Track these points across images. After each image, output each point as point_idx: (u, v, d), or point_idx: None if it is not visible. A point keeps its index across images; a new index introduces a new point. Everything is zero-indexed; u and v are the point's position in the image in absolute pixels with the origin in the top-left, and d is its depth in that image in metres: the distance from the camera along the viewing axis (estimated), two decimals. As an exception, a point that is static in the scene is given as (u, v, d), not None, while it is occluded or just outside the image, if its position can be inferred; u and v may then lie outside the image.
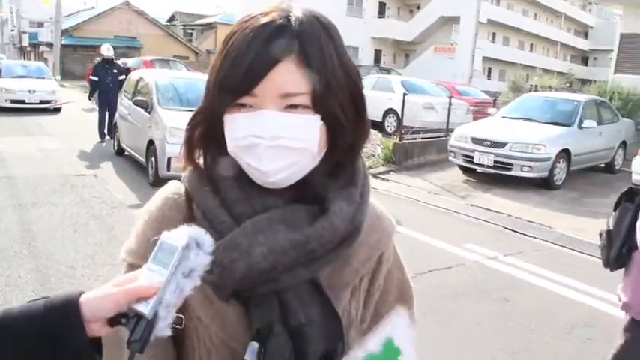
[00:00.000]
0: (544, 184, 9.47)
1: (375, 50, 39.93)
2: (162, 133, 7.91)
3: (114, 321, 0.73)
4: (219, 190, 0.91)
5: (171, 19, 53.18)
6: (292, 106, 0.85)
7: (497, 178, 9.71)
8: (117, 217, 6.42)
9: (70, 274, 4.64)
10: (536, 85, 19.15)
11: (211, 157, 0.93)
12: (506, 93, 15.36)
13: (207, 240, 0.76)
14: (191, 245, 0.74)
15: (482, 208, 8.15)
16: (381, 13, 39.81)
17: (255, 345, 0.86)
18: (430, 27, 39.46)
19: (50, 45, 33.13)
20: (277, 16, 0.86)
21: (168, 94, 9.01)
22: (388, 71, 28.63)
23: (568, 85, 18.46)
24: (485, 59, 42.27)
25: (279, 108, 0.84)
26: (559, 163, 9.51)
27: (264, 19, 0.86)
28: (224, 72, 0.85)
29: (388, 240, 1.03)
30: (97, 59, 13.67)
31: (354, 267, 0.97)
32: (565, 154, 9.62)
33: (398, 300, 1.07)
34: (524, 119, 10.36)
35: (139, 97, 9.30)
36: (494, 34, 48.92)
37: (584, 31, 61.55)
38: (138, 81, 10.02)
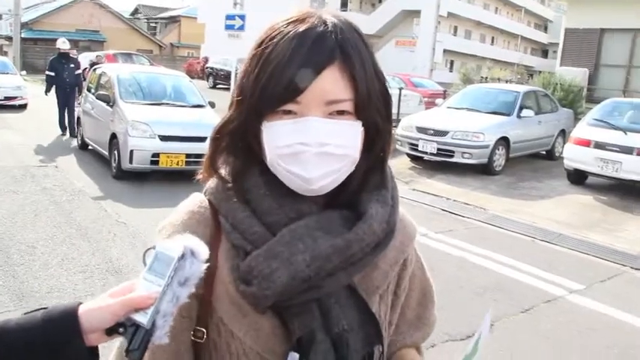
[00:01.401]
0: (484, 169, 10.13)
1: (338, 44, 40.41)
2: (125, 127, 8.03)
3: (112, 331, 0.75)
4: (249, 200, 0.90)
5: (135, 12, 52.79)
6: (336, 113, 0.85)
7: (442, 164, 10.34)
8: (76, 203, 6.81)
9: (30, 252, 5.05)
10: (486, 77, 19.92)
11: (240, 167, 0.92)
12: (457, 85, 16.02)
13: (203, 249, 0.77)
14: (186, 255, 0.75)
15: (423, 192, 8.76)
16: (344, 6, 40.31)
17: (295, 355, 0.86)
18: (391, 20, 40.17)
19: (10, 38, 32.70)
20: (316, 22, 0.86)
21: (130, 88, 9.13)
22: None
23: (519, 77, 19.23)
24: (447, 52, 43.10)
25: (324, 115, 0.84)
26: (498, 150, 10.17)
27: (305, 26, 0.85)
28: (266, 79, 0.84)
29: (411, 243, 1.04)
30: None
31: (383, 270, 0.98)
32: (504, 141, 10.29)
33: (420, 299, 1.10)
34: (468, 109, 11.00)
35: (101, 92, 9.40)
36: (455, 28, 49.90)
37: (544, 25, 63.17)
38: (100, 75, 10.09)
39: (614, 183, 9.52)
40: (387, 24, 40.28)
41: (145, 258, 0.77)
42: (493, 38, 55.54)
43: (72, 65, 12.02)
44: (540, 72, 18.76)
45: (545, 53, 62.59)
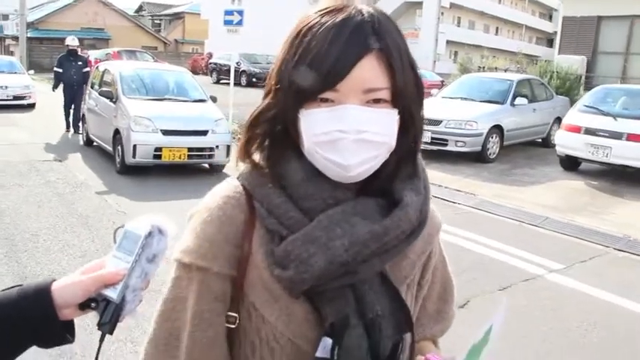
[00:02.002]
0: (478, 157, 10.32)
1: (341, 37, 40.57)
2: (127, 122, 8.16)
3: (84, 306, 0.78)
4: (286, 185, 0.91)
5: (139, 9, 53.10)
6: (373, 101, 0.86)
7: (437, 153, 10.52)
8: (78, 195, 7.08)
9: (34, 239, 5.32)
10: (483, 67, 20.06)
11: (276, 154, 0.93)
12: (455, 75, 16.18)
13: (170, 227, 0.81)
14: (154, 232, 0.78)
15: (417, 179, 8.97)
16: (346, -1, 40.40)
17: (328, 341, 0.86)
18: (394, 12, 40.13)
19: (16, 38, 33.08)
20: (353, 12, 0.87)
21: (132, 85, 9.26)
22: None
23: (519, 66, 19.35)
24: (451, 43, 43.26)
25: (361, 103, 0.86)
26: (492, 138, 10.37)
27: (342, 15, 0.86)
28: (305, 68, 0.85)
29: (436, 234, 1.06)
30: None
31: (411, 260, 0.99)
32: (497, 129, 10.48)
33: (441, 293, 1.11)
34: (462, 99, 11.20)
35: (104, 88, 9.58)
36: (459, 19, 49.95)
37: (548, 14, 62.89)
38: (104, 73, 10.26)
39: (606, 169, 9.68)
40: (390, 16, 40.34)
41: (115, 236, 0.80)
42: (497, 28, 55.48)
43: (80, 63, 12.24)
44: (546, 60, 18.87)
45: (550, 42, 62.29)
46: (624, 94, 10.02)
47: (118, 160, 8.50)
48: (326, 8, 0.88)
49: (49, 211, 6.26)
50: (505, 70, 18.09)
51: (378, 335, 0.89)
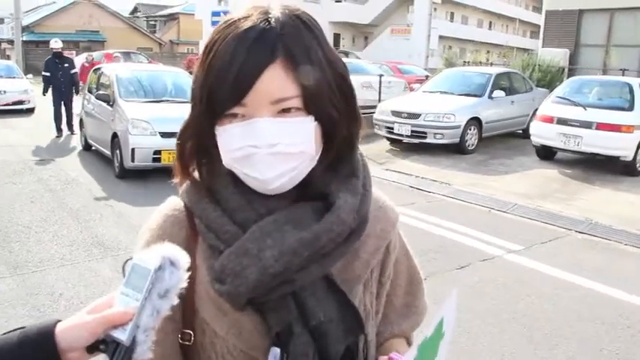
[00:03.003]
0: (457, 149, 10.69)
1: (334, 34, 40.84)
2: (125, 125, 8.04)
3: (93, 348, 0.73)
4: (220, 199, 0.91)
5: (134, 11, 53.38)
6: (284, 111, 0.84)
7: (419, 146, 10.91)
8: (69, 191, 7.48)
9: (25, 231, 5.72)
10: (468, 61, 20.42)
11: (206, 169, 0.93)
12: (440, 69, 16.54)
13: (183, 258, 0.75)
14: (164, 265, 0.73)
15: (395, 171, 9.35)
16: (339, -3, 40.75)
17: (276, 350, 0.87)
18: (386, 9, 40.56)
19: (11, 42, 33.42)
20: (257, 19, 0.84)
21: (129, 87, 9.15)
22: (346, 54, 29.67)
23: (505, 59, 19.70)
24: (444, 38, 43.52)
25: (272, 114, 0.83)
26: (470, 130, 10.73)
27: (245, 25, 0.84)
28: (210, 84, 0.84)
29: (392, 228, 1.04)
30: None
31: (363, 259, 0.97)
32: (476, 121, 10.85)
33: (407, 287, 1.10)
34: (441, 92, 11.57)
35: (101, 92, 9.42)
36: (452, 14, 50.22)
37: (541, 7, 62.98)
38: (100, 75, 10.12)
39: (582, 158, 10.05)
40: (382, 13, 40.69)
41: (123, 270, 0.75)
42: (491, 23, 55.78)
43: (66, 65, 12.32)
44: (529, 53, 19.21)
45: (544, 35, 62.61)
46: (597, 85, 10.39)
47: (116, 164, 8.41)
48: (233, 17, 0.86)
49: (41, 206, 6.65)
50: (491, 64, 18.43)
51: (325, 341, 0.88)
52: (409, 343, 1.11)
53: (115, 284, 4.50)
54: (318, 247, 0.86)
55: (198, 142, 0.91)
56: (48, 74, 12.17)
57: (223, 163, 0.88)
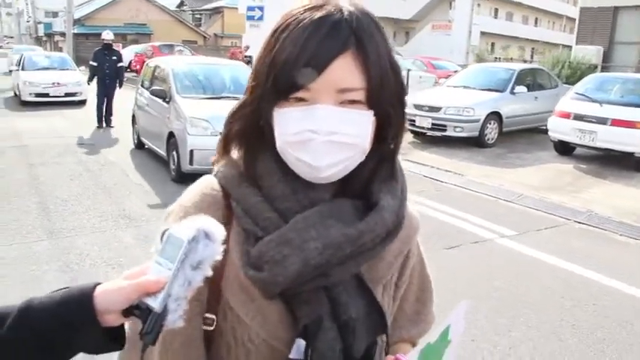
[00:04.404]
0: (477, 142, 11.00)
1: (375, 29, 41.10)
2: (183, 124, 7.37)
3: (128, 312, 0.76)
4: (262, 185, 0.91)
5: (181, 4, 54.82)
6: (347, 102, 0.85)
7: (440, 139, 11.26)
8: (105, 171, 8.26)
9: (63, 204, 6.46)
10: (499, 57, 20.50)
11: (252, 152, 0.93)
12: (472, 65, 16.75)
13: (218, 231, 0.76)
14: (199, 237, 0.74)
15: (413, 161, 9.74)
16: (380, -8, 40.97)
17: (302, 342, 0.87)
18: (428, 4, 40.58)
19: (64, 34, 34.97)
20: (332, 10, 0.86)
21: (187, 82, 8.45)
22: (385, 49, 29.91)
23: (541, 56, 19.70)
24: (488, 35, 43.20)
25: (335, 103, 0.84)
26: (489, 124, 11.02)
27: (320, 13, 0.85)
28: (280, 65, 0.84)
29: (414, 236, 1.06)
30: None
31: (387, 261, 0.99)
32: (496, 116, 11.13)
33: (419, 294, 1.11)
34: (464, 87, 11.87)
35: (156, 87, 8.67)
36: (496, 10, 49.68)
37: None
38: (155, 69, 9.44)
39: (599, 154, 10.20)
40: (423, 8, 40.75)
41: (161, 239, 0.76)
42: (537, 19, 54.86)
43: (114, 57, 12.38)
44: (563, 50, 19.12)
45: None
46: (616, 82, 10.51)
47: (172, 167, 7.75)
48: (306, 5, 0.88)
49: (78, 183, 7.41)
50: (524, 61, 18.49)
51: (352, 338, 0.89)
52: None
53: (134, 250, 5.16)
54: (359, 244, 0.88)
55: (251, 122, 0.91)
56: (95, 64, 12.29)
57: (277, 145, 0.88)
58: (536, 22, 54.69)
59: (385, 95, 0.88)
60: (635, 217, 6.94)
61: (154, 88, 8.71)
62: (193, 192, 0.95)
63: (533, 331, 4.04)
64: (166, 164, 8.16)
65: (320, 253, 0.85)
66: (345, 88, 0.85)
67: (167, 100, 8.14)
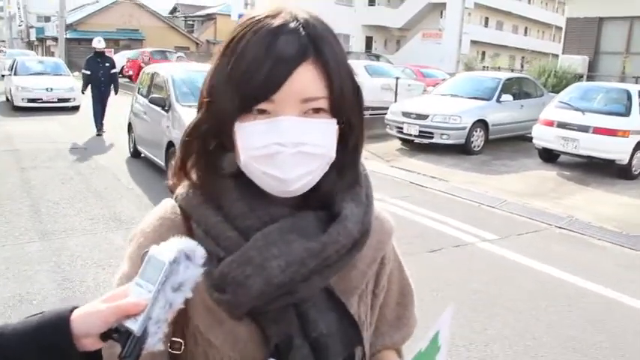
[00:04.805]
0: (463, 149, 11.20)
1: (367, 37, 41.49)
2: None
3: (106, 336, 0.74)
4: (221, 205, 0.89)
5: (174, 10, 54.97)
6: (311, 111, 0.84)
7: (427, 146, 11.46)
8: (96, 175, 8.40)
9: (54, 207, 6.58)
10: (487, 66, 20.82)
11: (211, 171, 0.90)
12: (460, 73, 17.01)
13: (199, 252, 0.75)
14: (180, 259, 0.73)
15: (399, 168, 9.93)
16: (372, 1, 41.32)
17: None
18: (419, 13, 40.95)
19: (56, 39, 35.02)
20: (288, 18, 0.84)
21: (186, 90, 8.19)
22: (377, 58, 30.24)
23: (528, 64, 20.02)
24: (478, 43, 43.62)
25: (299, 113, 0.83)
26: (476, 131, 11.23)
27: (276, 22, 0.83)
28: (239, 78, 0.82)
29: (388, 240, 1.04)
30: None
31: (360, 270, 0.97)
32: (482, 124, 11.34)
33: (399, 298, 1.09)
34: (452, 95, 12.10)
35: (154, 95, 8.46)
36: (486, 19, 50.15)
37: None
38: (153, 76, 9.24)
39: (583, 161, 10.43)
40: (414, 17, 41.12)
41: (142, 261, 0.75)
42: (526, 28, 55.42)
43: (107, 64, 12.28)
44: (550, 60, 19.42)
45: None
46: (599, 91, 10.75)
47: None
48: (259, 14, 0.85)
49: (70, 187, 7.53)
50: (512, 70, 18.78)
51: (325, 354, 0.88)
52: (400, 355, 1.11)
53: (124, 251, 5.26)
54: (323, 257, 0.86)
55: (209, 140, 0.89)
56: (88, 72, 12.16)
57: (240, 161, 0.86)
58: (525, 32, 55.24)
59: (346, 102, 0.87)
60: (615, 223, 7.15)
61: (152, 96, 8.53)
62: (153, 216, 0.95)
63: (508, 330, 4.21)
64: (160, 170, 8.17)
65: (282, 271, 0.83)
66: (309, 98, 0.83)
67: (166, 108, 7.95)
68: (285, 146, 0.82)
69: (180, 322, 0.87)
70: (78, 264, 4.94)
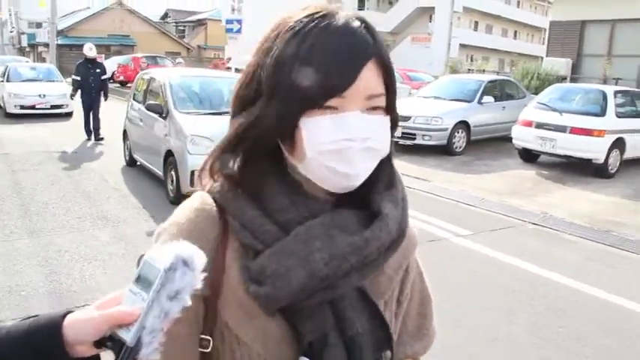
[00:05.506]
0: (445, 150, 11.47)
1: (357, 41, 41.74)
2: (183, 143, 6.83)
3: (100, 343, 0.71)
4: (260, 198, 0.88)
5: (165, 16, 55.23)
6: (372, 108, 0.86)
7: (411, 147, 11.67)
8: (85, 176, 8.62)
9: (44, 207, 6.80)
10: (472, 69, 21.19)
11: (253, 166, 0.89)
12: (443, 76, 17.32)
13: (198, 258, 0.71)
14: (177, 265, 0.69)
15: (382, 168, 10.16)
16: (361, 5, 41.67)
17: None
18: (408, 17, 41.35)
19: (47, 45, 35.16)
20: (348, 17, 0.87)
21: (184, 96, 7.93)
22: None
23: (513, 67, 20.37)
24: (467, 47, 44.05)
25: (363, 110, 0.84)
26: (457, 132, 11.52)
27: (341, 20, 0.85)
28: (311, 74, 0.82)
29: (413, 249, 1.05)
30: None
31: (387, 275, 0.97)
32: (464, 125, 11.62)
33: (420, 308, 1.09)
34: (435, 97, 12.38)
35: (151, 101, 8.10)
36: (476, 23, 50.62)
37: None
38: (149, 82, 8.85)
39: (562, 161, 10.72)
40: (404, 21, 41.52)
41: (138, 265, 0.71)
42: (516, 32, 55.97)
43: (98, 70, 12.15)
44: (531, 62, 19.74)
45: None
46: (576, 92, 11.06)
47: (170, 187, 7.17)
48: (317, 12, 0.86)
49: (59, 188, 7.75)
50: (497, 73, 19.12)
51: (358, 354, 0.87)
52: None
53: (110, 247, 5.51)
54: (365, 254, 0.86)
55: (265, 135, 0.87)
56: (78, 78, 12.01)
57: (308, 155, 0.85)
58: (515, 35, 55.80)
59: (395, 100, 0.91)
60: (587, 219, 7.42)
61: (149, 102, 8.12)
62: (187, 209, 0.91)
63: (479, 318, 4.46)
64: (154, 178, 8.05)
65: (326, 264, 0.83)
66: (374, 95, 0.85)
67: (163, 115, 7.58)
68: (354, 141, 0.83)
69: (210, 319, 0.86)
70: (65, 258, 5.17)
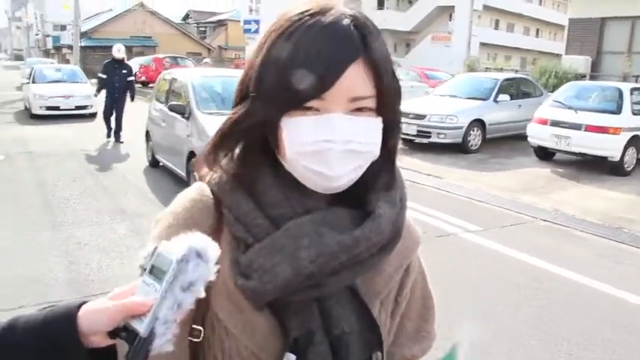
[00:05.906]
0: (460, 148, 11.51)
1: (376, 40, 41.74)
2: (206, 143, 6.93)
3: (114, 334, 0.72)
4: (255, 192, 0.88)
5: (186, 17, 55.85)
6: (358, 110, 0.84)
7: (426, 145, 11.76)
8: (103, 172, 8.98)
9: (65, 202, 7.08)
10: (489, 67, 21.12)
11: (249, 161, 0.90)
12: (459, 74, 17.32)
13: (211, 249, 0.72)
14: (189, 256, 0.70)
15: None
16: (380, 4, 41.71)
17: (291, 357, 0.85)
18: (428, 16, 41.23)
19: (71, 47, 35.84)
20: (339, 15, 0.84)
21: (207, 97, 7.93)
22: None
23: (532, 65, 20.27)
24: (488, 46, 43.74)
25: (346, 111, 0.83)
26: (473, 131, 11.55)
27: (329, 19, 0.83)
28: (291, 74, 0.81)
29: (416, 249, 1.03)
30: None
31: (386, 275, 0.96)
32: (479, 123, 11.65)
33: (421, 311, 1.08)
34: (451, 96, 12.43)
35: (173, 102, 8.13)
36: (497, 21, 50.24)
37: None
38: (171, 82, 8.87)
39: (578, 159, 10.69)
40: (423, 20, 41.40)
41: (152, 257, 0.72)
42: (538, 30, 55.41)
43: (124, 71, 12.10)
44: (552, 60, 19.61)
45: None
46: (593, 90, 11.02)
47: None
48: (308, 9, 0.85)
49: (80, 184, 8.04)
50: (515, 71, 19.07)
51: (345, 353, 0.87)
52: None
53: (127, 240, 5.71)
54: (355, 253, 0.85)
55: (251, 133, 0.88)
56: (104, 77, 12.03)
57: (285, 156, 0.85)
58: (537, 33, 55.24)
59: (392, 102, 0.88)
60: (599, 216, 7.42)
61: (171, 103, 8.15)
62: (184, 198, 0.93)
63: (483, 309, 4.55)
64: (176, 178, 8.07)
65: (312, 262, 0.83)
66: (358, 97, 0.84)
67: (186, 115, 7.60)
68: (334, 143, 0.83)
69: (201, 309, 0.85)
70: (84, 250, 5.41)
